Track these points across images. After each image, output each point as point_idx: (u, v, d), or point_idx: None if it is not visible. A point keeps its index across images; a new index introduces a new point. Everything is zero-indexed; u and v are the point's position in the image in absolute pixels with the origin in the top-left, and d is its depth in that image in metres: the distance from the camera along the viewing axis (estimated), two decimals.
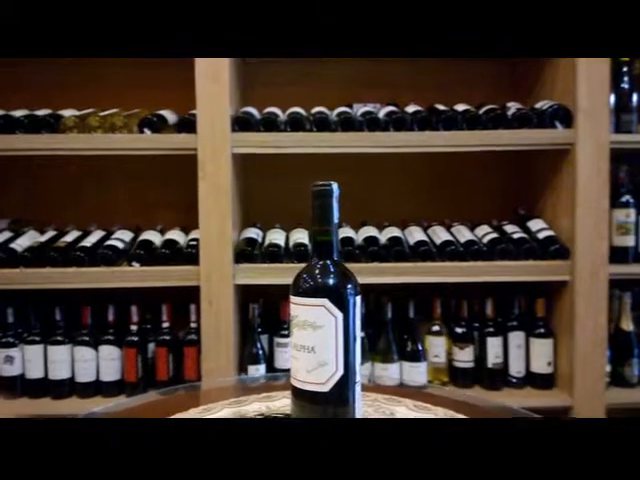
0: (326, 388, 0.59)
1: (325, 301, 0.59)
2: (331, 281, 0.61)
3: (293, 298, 0.62)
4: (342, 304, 0.59)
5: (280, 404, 0.83)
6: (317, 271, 0.61)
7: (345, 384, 0.60)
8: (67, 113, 1.52)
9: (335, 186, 0.62)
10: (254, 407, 0.83)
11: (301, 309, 0.60)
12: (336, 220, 0.63)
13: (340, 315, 0.59)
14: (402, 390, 0.98)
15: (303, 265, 0.65)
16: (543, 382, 1.53)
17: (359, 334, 0.62)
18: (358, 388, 0.62)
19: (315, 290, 0.60)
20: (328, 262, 0.62)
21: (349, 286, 0.61)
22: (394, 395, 0.88)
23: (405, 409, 0.82)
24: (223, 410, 0.82)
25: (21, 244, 1.50)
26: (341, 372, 0.59)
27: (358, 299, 0.61)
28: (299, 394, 0.61)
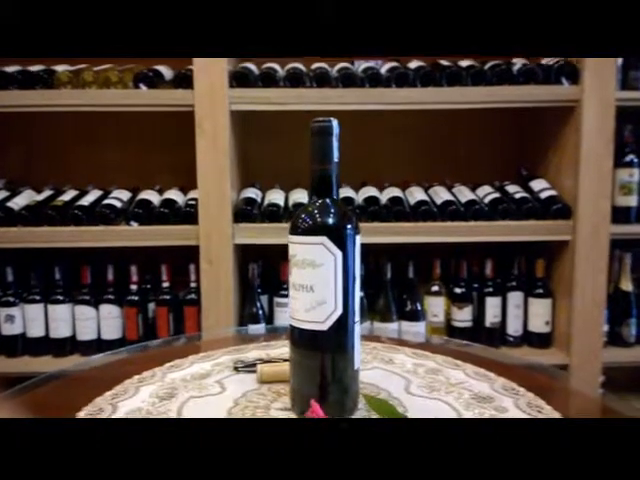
0: (325, 327, 0.59)
1: (324, 239, 0.58)
2: (330, 219, 0.60)
3: (291, 237, 0.61)
4: (341, 243, 0.58)
5: (279, 352, 0.84)
6: (316, 210, 0.60)
7: (344, 323, 0.59)
8: (61, 68, 1.48)
9: (335, 123, 0.60)
10: (253, 354, 0.83)
11: (300, 248, 0.59)
12: (336, 159, 0.61)
13: (339, 254, 0.58)
14: (402, 341, 0.99)
15: None
16: (540, 341, 1.54)
17: (358, 274, 0.61)
18: (357, 328, 0.61)
19: (314, 228, 0.59)
20: (327, 201, 0.61)
21: (349, 225, 0.60)
22: (393, 344, 0.89)
23: (403, 356, 0.82)
24: (223, 357, 0.83)
25: (18, 203, 1.48)
26: (340, 311, 0.59)
27: (358, 238, 0.60)
28: (297, 333, 0.61)
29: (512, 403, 0.65)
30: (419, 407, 0.64)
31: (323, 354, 0.60)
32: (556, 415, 0.61)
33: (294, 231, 0.60)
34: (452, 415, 0.62)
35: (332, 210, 0.60)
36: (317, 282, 0.58)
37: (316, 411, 0.52)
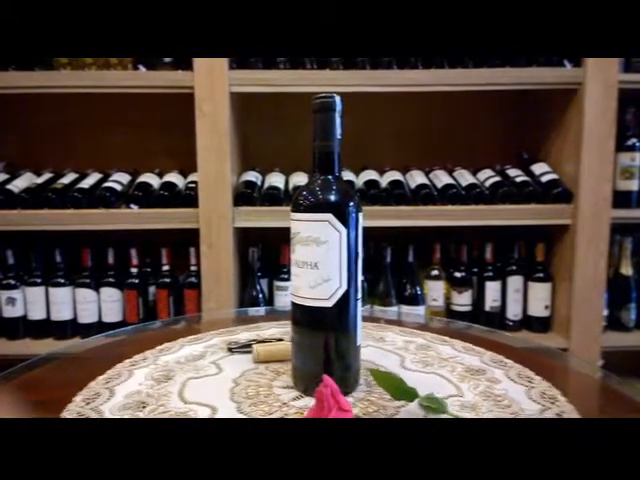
0: (330, 303, 0.59)
1: (329, 216, 0.57)
2: (335, 196, 0.59)
3: (295, 215, 0.60)
4: (345, 220, 0.58)
5: (270, 332, 0.84)
6: (319, 187, 0.60)
7: (348, 300, 0.59)
8: None
9: (338, 99, 0.60)
10: (244, 335, 0.83)
11: (304, 225, 0.59)
12: (338, 136, 0.61)
13: (344, 231, 0.58)
14: (397, 321, 0.99)
15: None
16: (540, 325, 1.55)
17: (361, 251, 0.61)
18: (359, 305, 0.61)
19: (319, 205, 0.59)
20: (330, 178, 0.60)
21: (352, 203, 0.59)
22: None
23: (392, 334, 0.84)
24: (214, 339, 0.83)
25: (18, 185, 1.48)
26: (345, 288, 0.59)
27: (360, 216, 0.60)
28: (301, 311, 0.61)
29: (503, 374, 0.67)
30: (417, 380, 0.64)
31: (327, 331, 0.60)
32: (545, 385, 0.63)
33: (297, 208, 0.60)
34: (450, 387, 0.63)
35: (335, 187, 0.60)
36: (322, 259, 0.58)
37: (329, 385, 0.52)
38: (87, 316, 1.51)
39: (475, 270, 1.58)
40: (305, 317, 0.61)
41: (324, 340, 0.60)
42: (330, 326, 0.60)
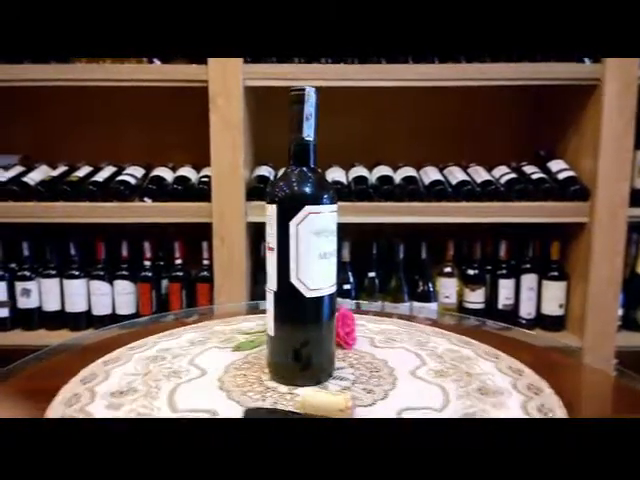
0: (335, 286, 0.62)
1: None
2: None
3: (332, 206, 0.59)
4: None
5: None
6: (323, 179, 0.62)
7: None
8: None
9: (312, 91, 0.58)
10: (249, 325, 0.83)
11: (333, 216, 0.60)
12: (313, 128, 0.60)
13: None
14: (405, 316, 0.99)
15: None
16: (553, 324, 1.53)
17: None
18: None
19: (335, 195, 0.61)
20: (308, 169, 0.60)
21: None
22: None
23: (365, 322, 0.86)
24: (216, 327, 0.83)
25: (33, 178, 1.49)
26: None
27: None
28: (321, 301, 0.59)
29: (471, 352, 0.69)
30: (382, 354, 0.70)
31: (332, 316, 0.62)
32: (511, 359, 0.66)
33: (337, 200, 0.60)
34: (413, 358, 0.67)
35: (321, 177, 0.62)
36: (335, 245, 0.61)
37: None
38: (101, 308, 1.52)
39: (488, 268, 1.57)
40: (327, 306, 0.60)
41: (333, 324, 0.63)
42: (334, 309, 0.63)
